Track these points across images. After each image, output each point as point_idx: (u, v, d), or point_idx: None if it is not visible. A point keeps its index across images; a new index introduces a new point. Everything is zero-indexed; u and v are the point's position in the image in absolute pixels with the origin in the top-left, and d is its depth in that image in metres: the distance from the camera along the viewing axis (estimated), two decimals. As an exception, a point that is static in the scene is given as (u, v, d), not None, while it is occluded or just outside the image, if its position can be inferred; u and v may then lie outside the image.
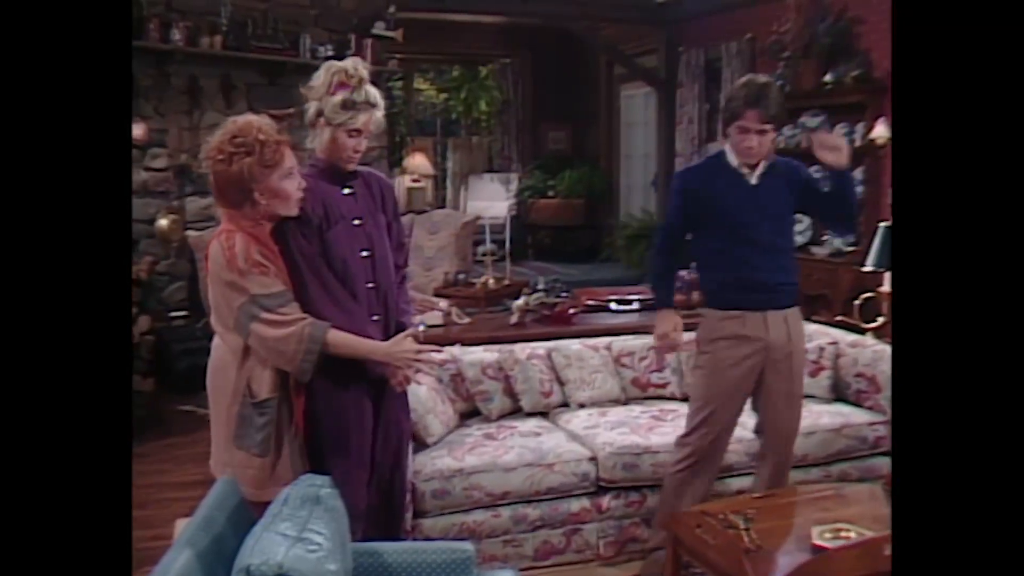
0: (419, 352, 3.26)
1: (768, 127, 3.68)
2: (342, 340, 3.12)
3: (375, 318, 3.31)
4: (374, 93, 3.23)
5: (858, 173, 7.84)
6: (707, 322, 3.93)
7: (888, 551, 2.88)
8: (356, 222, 3.28)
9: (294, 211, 3.13)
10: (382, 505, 3.45)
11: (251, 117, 3.12)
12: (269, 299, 3.03)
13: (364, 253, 3.28)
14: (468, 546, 2.88)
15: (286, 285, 3.09)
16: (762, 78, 3.83)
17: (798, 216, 4.32)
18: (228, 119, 3.14)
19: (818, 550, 3.08)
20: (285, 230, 3.16)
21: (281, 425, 3.15)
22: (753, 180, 3.79)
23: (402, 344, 3.21)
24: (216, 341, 3.21)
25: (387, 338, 3.35)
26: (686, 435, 3.93)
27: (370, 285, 3.29)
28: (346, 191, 3.30)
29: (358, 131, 3.21)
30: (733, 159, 3.81)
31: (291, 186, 3.09)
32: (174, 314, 7.36)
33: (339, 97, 3.17)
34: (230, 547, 2.35)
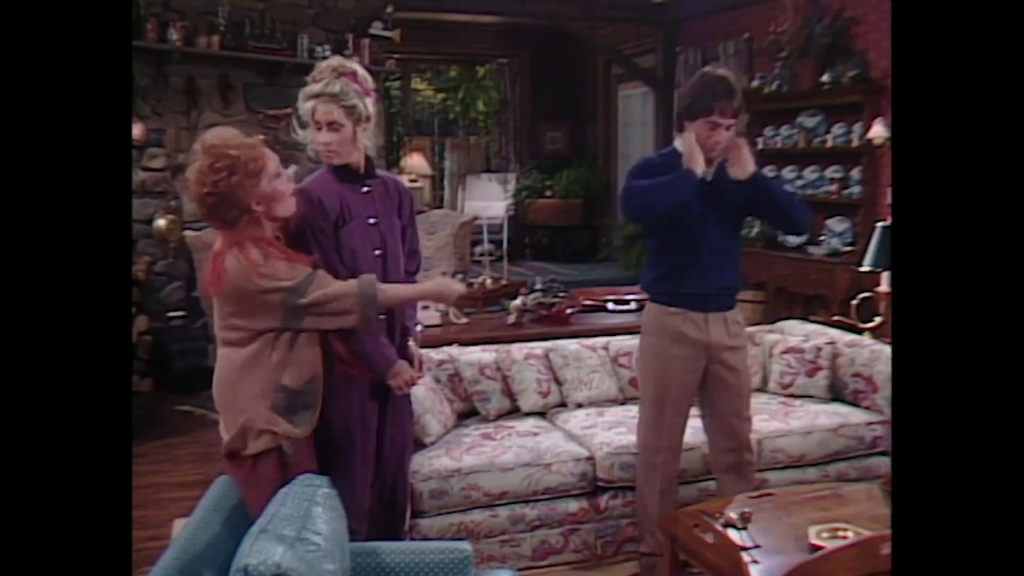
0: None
1: (733, 121, 3.62)
2: (391, 289, 3.17)
3: (381, 317, 3.31)
4: (340, 87, 3.19)
5: (855, 173, 7.86)
6: (650, 314, 3.92)
7: (886, 550, 2.89)
8: (371, 221, 3.30)
9: (292, 209, 3.13)
10: (385, 506, 3.46)
11: (216, 136, 3.05)
12: (305, 283, 3.01)
13: (376, 252, 3.30)
14: (466, 546, 2.87)
15: (310, 264, 3.09)
16: (720, 71, 3.73)
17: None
18: (200, 142, 3.06)
19: (816, 550, 3.08)
20: (303, 224, 3.18)
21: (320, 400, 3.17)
22: (708, 176, 3.68)
23: (451, 285, 3.41)
24: (221, 355, 3.16)
25: (391, 340, 3.36)
26: (645, 435, 3.90)
27: None
28: (364, 189, 3.31)
29: (322, 124, 3.21)
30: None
31: (282, 185, 3.08)
32: (172, 314, 7.36)
33: (305, 91, 3.22)
34: (228, 547, 2.35)
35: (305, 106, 3.21)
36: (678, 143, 3.73)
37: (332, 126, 3.20)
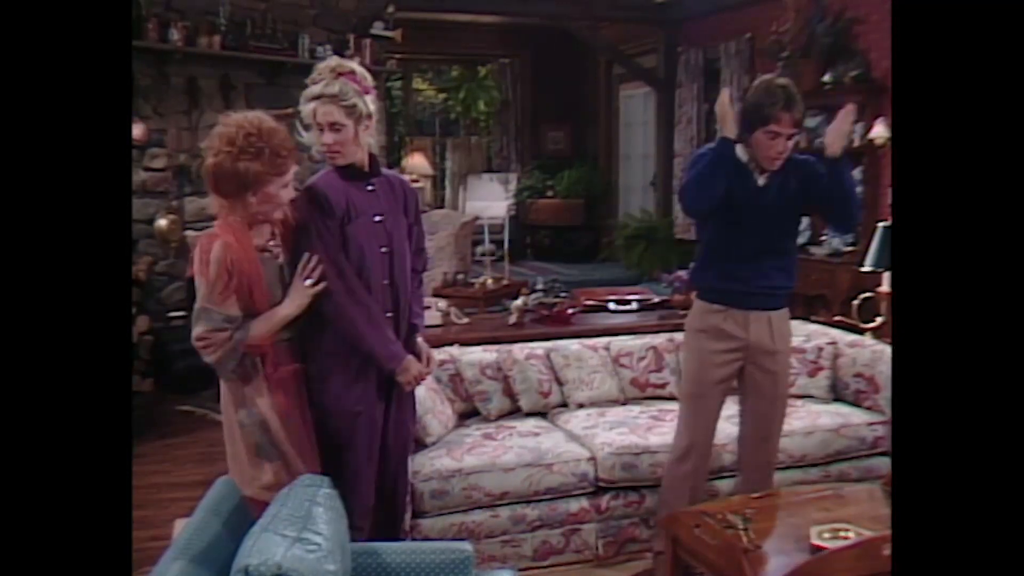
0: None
1: (795, 131, 3.62)
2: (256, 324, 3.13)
3: (388, 315, 3.33)
4: (339, 87, 3.19)
5: (857, 173, 7.85)
6: (694, 311, 3.93)
7: (887, 551, 2.89)
8: (377, 218, 3.31)
9: (282, 215, 3.17)
10: (385, 504, 3.46)
11: (269, 120, 3.12)
12: (215, 317, 3.05)
13: (383, 249, 3.31)
14: (467, 546, 2.87)
15: (242, 309, 3.09)
16: (782, 80, 3.73)
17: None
18: (244, 114, 3.14)
19: (817, 550, 3.08)
20: (309, 221, 3.19)
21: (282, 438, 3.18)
22: (761, 181, 3.71)
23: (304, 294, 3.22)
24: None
25: (398, 336, 3.36)
26: (680, 428, 3.93)
27: (385, 282, 3.31)
28: (369, 188, 3.32)
29: (324, 126, 3.21)
30: (743, 154, 3.70)
31: (286, 195, 3.14)
32: (173, 314, 7.34)
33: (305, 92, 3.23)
34: (229, 547, 2.35)
35: (306, 108, 3.22)
36: (739, 146, 3.70)
37: (334, 127, 3.20)
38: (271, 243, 3.20)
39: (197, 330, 3.05)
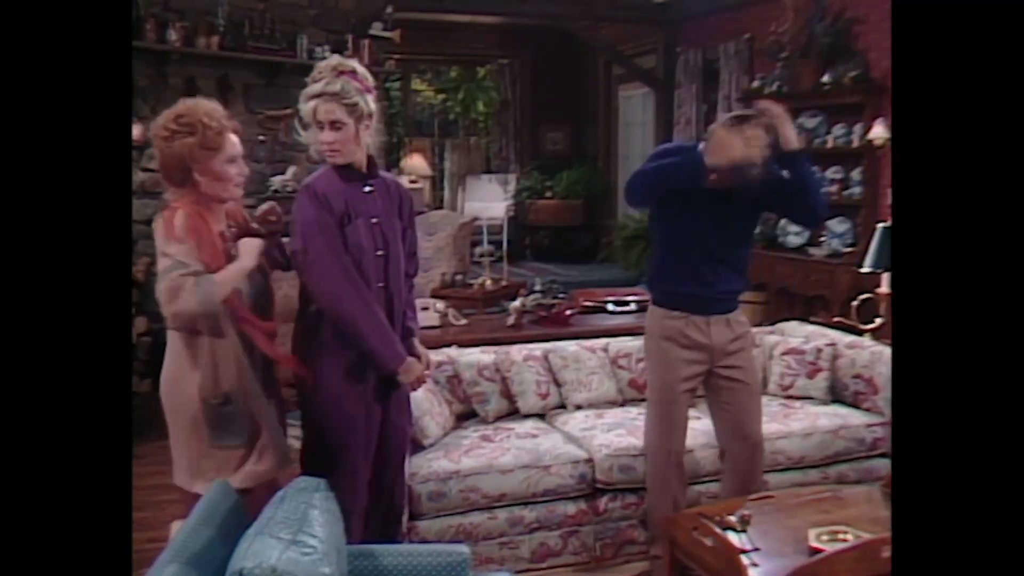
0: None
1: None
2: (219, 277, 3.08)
3: None
4: (340, 85, 3.19)
5: (856, 174, 7.85)
6: (653, 317, 3.92)
7: (886, 554, 2.88)
8: (374, 221, 3.29)
9: (236, 194, 3.20)
10: (383, 506, 3.45)
11: (200, 100, 3.19)
12: (183, 266, 3.00)
13: (379, 252, 3.29)
14: (464, 548, 2.86)
15: (211, 266, 3.06)
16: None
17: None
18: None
19: (815, 553, 3.07)
20: (309, 220, 3.19)
21: (250, 407, 3.16)
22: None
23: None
24: (168, 349, 3.21)
25: None
26: (650, 436, 3.93)
27: (380, 285, 3.30)
28: (367, 189, 3.31)
29: (325, 124, 3.21)
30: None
31: (233, 170, 3.16)
32: (171, 315, 7.33)
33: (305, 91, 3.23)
34: (224, 550, 2.34)
35: (307, 106, 3.21)
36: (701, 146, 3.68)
37: (334, 125, 3.19)
38: (231, 230, 3.22)
39: (165, 281, 3.00)
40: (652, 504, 3.96)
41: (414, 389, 3.42)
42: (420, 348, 3.46)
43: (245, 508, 2.69)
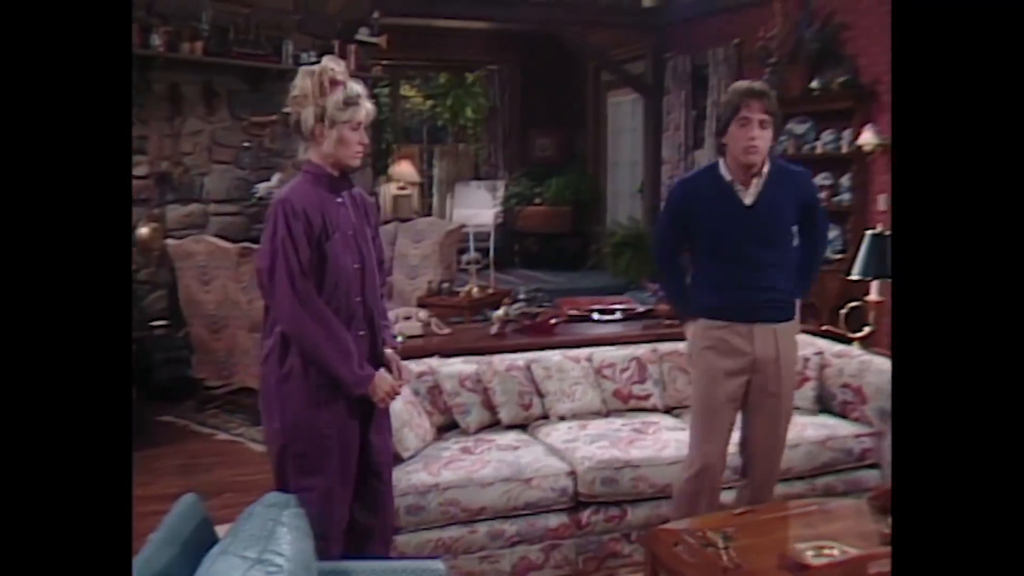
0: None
1: (769, 118, 3.55)
2: None
3: (361, 334, 3.23)
4: (360, 87, 3.21)
5: (845, 180, 7.82)
6: (695, 331, 3.85)
7: (873, 570, 2.84)
8: (350, 232, 3.22)
9: None
10: (368, 524, 3.37)
11: None
12: None
13: (356, 266, 3.22)
14: (439, 564, 2.81)
15: None
16: (747, 81, 3.77)
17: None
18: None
19: (801, 568, 3.00)
20: (282, 238, 3.07)
21: None
22: (748, 200, 3.64)
23: None
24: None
25: (373, 354, 3.28)
26: (693, 446, 3.85)
27: (358, 299, 3.22)
28: (339, 200, 3.23)
29: (358, 125, 3.19)
30: (727, 173, 3.66)
31: None
32: (155, 323, 7.29)
33: (339, 95, 3.14)
34: (187, 571, 2.28)
35: (349, 111, 3.15)
36: (721, 163, 3.70)
37: (363, 125, 3.20)
38: None
39: None
40: (676, 516, 3.83)
41: (384, 404, 3.32)
42: (392, 358, 3.38)
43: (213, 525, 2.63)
